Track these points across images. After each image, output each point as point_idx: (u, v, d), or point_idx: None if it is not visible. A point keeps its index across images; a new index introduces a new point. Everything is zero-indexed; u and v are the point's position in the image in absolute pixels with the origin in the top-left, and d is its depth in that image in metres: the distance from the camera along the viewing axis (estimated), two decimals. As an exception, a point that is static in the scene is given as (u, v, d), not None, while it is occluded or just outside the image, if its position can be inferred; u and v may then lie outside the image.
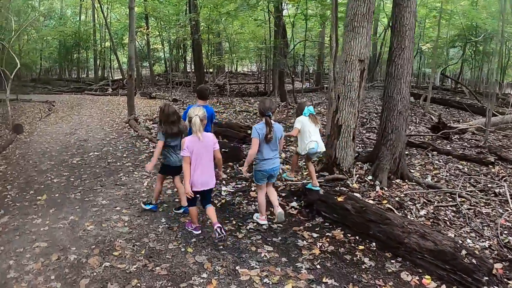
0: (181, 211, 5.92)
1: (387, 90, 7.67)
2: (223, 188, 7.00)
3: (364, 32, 6.96)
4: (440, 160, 8.98)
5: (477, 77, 27.98)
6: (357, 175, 7.25)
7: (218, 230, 4.78)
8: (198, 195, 4.95)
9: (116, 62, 39.36)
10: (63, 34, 30.59)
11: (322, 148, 6.15)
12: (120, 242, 4.96)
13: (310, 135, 5.97)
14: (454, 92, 25.27)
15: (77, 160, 8.95)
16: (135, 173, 7.93)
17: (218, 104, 18.43)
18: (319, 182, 6.46)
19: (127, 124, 12.55)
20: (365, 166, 8.00)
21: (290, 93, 19.69)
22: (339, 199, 5.73)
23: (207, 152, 4.77)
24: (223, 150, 7.86)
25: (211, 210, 4.99)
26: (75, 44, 33.78)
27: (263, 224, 5.50)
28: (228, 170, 8.08)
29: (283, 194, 6.68)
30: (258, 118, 8.33)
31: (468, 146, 10.49)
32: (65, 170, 8.24)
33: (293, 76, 16.30)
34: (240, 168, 8.03)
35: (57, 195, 6.82)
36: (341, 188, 6.64)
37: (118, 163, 8.62)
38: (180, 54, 34.38)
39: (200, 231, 5.23)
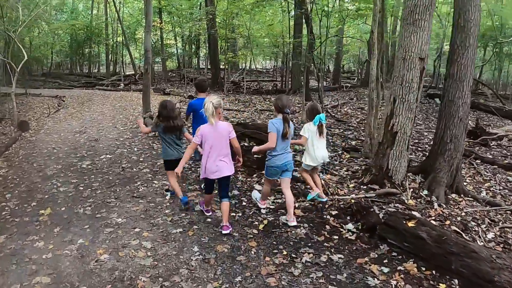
0: (168, 193, 6.05)
1: (447, 94, 6.64)
2: (260, 204, 5.78)
3: (426, 26, 5.91)
4: (487, 171, 7.84)
5: (495, 78, 26.58)
6: (411, 189, 6.26)
7: (223, 229, 4.78)
8: (213, 183, 4.94)
9: (128, 57, 38.48)
10: (74, 28, 29.58)
11: (327, 160, 5.82)
12: (144, 281, 3.78)
13: (318, 147, 5.49)
14: (475, 94, 23.86)
15: (87, 164, 7.78)
16: (155, 182, 6.74)
17: (236, 101, 17.24)
18: (369, 195, 5.86)
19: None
20: (417, 178, 6.86)
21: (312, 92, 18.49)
22: (410, 224, 4.60)
23: (222, 141, 4.65)
24: (255, 156, 6.77)
25: (225, 206, 4.81)
26: (86, 39, 32.74)
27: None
28: (262, 181, 6.87)
29: (334, 213, 5.49)
30: (273, 115, 7.41)
31: (509, 154, 9.27)
32: (73, 176, 7.08)
33: (319, 74, 14.95)
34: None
35: (63, 208, 5.66)
36: (396, 205, 5.73)
37: (134, 169, 7.43)
38: (193, 50, 33.29)
39: (210, 213, 5.32)
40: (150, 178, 6.90)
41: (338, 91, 23.94)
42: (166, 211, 5.50)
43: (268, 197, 5.82)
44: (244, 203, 5.88)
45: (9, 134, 10.73)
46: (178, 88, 25.03)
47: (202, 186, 6.01)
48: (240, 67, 36.24)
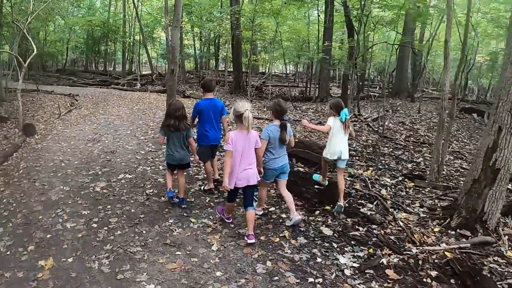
0: (175, 201, 5.49)
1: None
2: (257, 211, 4.07)
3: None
4: None
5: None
6: (506, 236, 4.99)
7: (249, 238, 4.46)
8: (237, 191, 4.73)
9: (144, 56, 37.00)
10: (91, 24, 28.10)
11: (346, 156, 5.51)
12: None
13: (340, 141, 5.45)
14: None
15: (102, 187, 6.07)
16: (192, 220, 5.01)
17: (264, 108, 15.52)
18: (463, 246, 4.60)
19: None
20: (509, 222, 5.42)
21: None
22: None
23: (250, 149, 4.52)
24: (316, 186, 5.77)
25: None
26: (103, 36, 31.29)
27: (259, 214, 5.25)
28: (330, 222, 5.15)
29: (433, 274, 3.90)
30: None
31: None
32: (84, 205, 5.39)
33: (360, 83, 13.26)
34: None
35: (70, 259, 4.00)
36: (495, 258, 4.45)
37: (163, 198, 5.71)
38: (212, 51, 31.77)
39: (231, 220, 4.99)
40: (185, 214, 5.18)
41: (365, 100, 22.20)
42: (217, 274, 3.78)
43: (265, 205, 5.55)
44: (318, 259, 4.18)
45: (12, 139, 9.10)
46: (198, 91, 23.42)
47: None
48: (260, 71, 34.64)
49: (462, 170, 8.45)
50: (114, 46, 34.61)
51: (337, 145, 5.39)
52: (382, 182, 6.90)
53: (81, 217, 5.01)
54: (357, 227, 5.05)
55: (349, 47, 13.81)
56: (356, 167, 8.00)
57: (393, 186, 6.73)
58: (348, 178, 6.86)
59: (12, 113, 12.62)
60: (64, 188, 6.00)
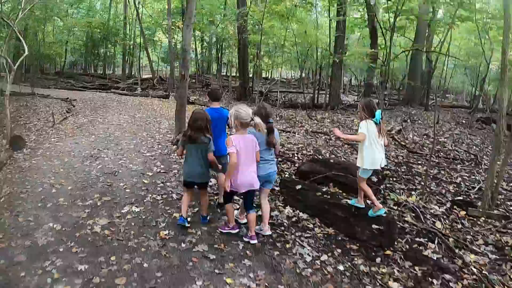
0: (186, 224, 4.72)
1: None
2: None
3: None
4: None
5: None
6: None
7: (252, 238, 4.43)
8: (234, 194, 4.62)
9: (144, 60, 35.64)
10: (91, 26, 26.73)
11: (384, 163, 4.78)
12: None
13: (378, 148, 4.63)
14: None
15: (103, 226, 4.66)
16: (228, 280, 3.64)
17: (279, 119, 14.20)
18: None
19: (176, 147, 8.33)
20: None
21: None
22: None
23: (253, 153, 4.36)
24: (376, 227, 4.83)
25: (253, 217, 4.48)
26: (103, 38, 29.90)
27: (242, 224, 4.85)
28: (397, 273, 3.88)
29: None
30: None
31: None
32: (81, 254, 3.99)
33: (383, 93, 11.97)
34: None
35: None
36: None
37: (183, 244, 4.31)
38: (214, 55, 30.52)
39: (238, 230, 4.67)
40: (217, 271, 3.80)
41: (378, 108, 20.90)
42: None
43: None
44: None
45: (-2, 153, 7.70)
46: (202, 97, 22.07)
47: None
48: (263, 77, 33.32)
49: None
50: (114, 49, 33.26)
51: (376, 152, 4.64)
52: (432, 211, 5.87)
53: (77, 275, 3.63)
54: (429, 278, 4.02)
55: (372, 54, 12.52)
56: (397, 191, 6.78)
57: (445, 216, 5.76)
58: (393, 207, 5.86)
59: (1, 120, 11.24)
60: (55, 226, 4.60)
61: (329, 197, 5.50)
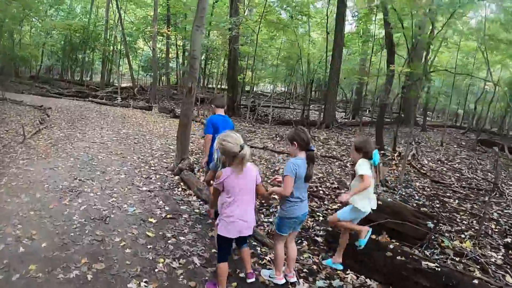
0: None
1: None
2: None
3: None
4: None
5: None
6: None
7: (250, 277, 3.68)
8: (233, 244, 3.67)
9: (123, 68, 33.49)
10: (70, 29, 24.53)
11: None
12: None
13: (371, 189, 4.04)
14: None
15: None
16: None
17: (279, 139, 12.52)
18: None
19: (179, 179, 6.50)
20: None
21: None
22: None
23: (251, 189, 3.45)
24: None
25: (247, 253, 3.75)
26: (82, 42, 27.64)
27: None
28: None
29: None
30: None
31: None
32: None
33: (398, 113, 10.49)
34: None
35: None
36: None
37: None
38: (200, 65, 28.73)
39: None
40: None
41: (370, 126, 19.57)
42: None
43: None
44: None
45: None
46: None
47: None
48: (247, 90, 31.73)
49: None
50: (93, 55, 31.00)
51: (371, 193, 4.09)
52: (493, 260, 4.83)
53: None
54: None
55: (387, 74, 11.05)
56: (446, 234, 5.55)
57: (508, 266, 4.70)
58: (454, 258, 4.74)
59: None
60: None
61: (403, 258, 4.06)
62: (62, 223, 4.57)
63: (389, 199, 6.15)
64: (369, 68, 19.52)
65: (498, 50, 15.40)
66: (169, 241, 4.35)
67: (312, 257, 4.39)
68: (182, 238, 4.46)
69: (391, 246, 4.35)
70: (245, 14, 18.30)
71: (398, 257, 4.06)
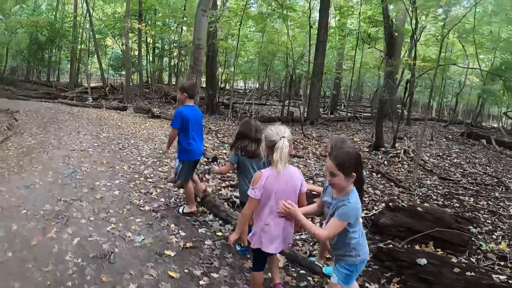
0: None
1: None
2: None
3: None
4: None
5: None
6: None
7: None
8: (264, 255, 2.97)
9: (92, 67, 31.66)
10: (36, 26, 22.59)
11: None
12: None
13: None
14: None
15: None
16: None
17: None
18: None
19: (202, 208, 5.22)
20: None
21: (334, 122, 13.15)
22: None
23: (292, 195, 2.72)
24: None
25: (275, 262, 3.18)
26: (49, 40, 25.62)
27: None
28: None
29: None
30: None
31: None
32: None
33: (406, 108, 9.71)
34: None
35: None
36: None
37: None
38: (165, 62, 27.60)
39: None
40: None
41: (352, 122, 18.90)
42: None
43: None
44: None
45: None
46: (161, 108, 18.98)
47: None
48: (221, 87, 30.54)
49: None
50: (59, 54, 28.93)
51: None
52: None
53: None
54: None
55: (387, 68, 10.22)
56: (478, 235, 5.00)
57: None
58: (500, 263, 4.25)
59: None
60: None
61: (472, 273, 3.42)
62: (53, 268, 3.37)
63: (426, 204, 5.30)
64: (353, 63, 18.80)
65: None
66: (200, 282, 3.25)
67: None
68: (215, 275, 3.38)
69: (454, 260, 3.60)
70: (224, 7, 17.11)
71: (468, 273, 3.40)
